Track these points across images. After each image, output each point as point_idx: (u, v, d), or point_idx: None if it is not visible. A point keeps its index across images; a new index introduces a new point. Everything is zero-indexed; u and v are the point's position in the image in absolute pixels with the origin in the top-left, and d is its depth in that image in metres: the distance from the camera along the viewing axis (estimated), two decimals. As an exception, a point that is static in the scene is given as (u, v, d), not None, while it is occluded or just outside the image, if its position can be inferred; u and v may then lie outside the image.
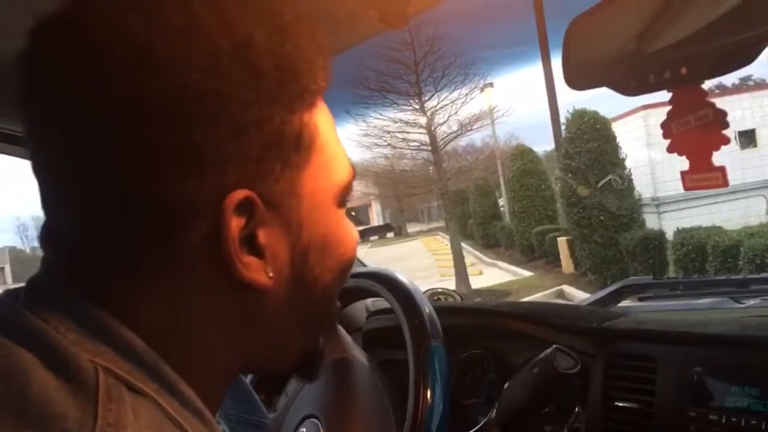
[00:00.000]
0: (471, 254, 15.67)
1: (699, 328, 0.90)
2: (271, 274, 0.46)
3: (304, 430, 0.98)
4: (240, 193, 0.43)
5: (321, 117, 0.49)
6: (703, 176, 0.79)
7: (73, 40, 0.41)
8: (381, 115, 12.40)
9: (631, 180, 9.23)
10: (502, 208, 17.14)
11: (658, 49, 0.74)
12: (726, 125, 0.75)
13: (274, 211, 0.45)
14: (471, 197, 17.43)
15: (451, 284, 11.30)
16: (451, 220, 13.00)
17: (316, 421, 0.98)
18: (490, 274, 13.09)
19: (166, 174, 0.41)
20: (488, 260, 15.01)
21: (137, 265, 0.43)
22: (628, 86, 0.78)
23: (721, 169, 0.77)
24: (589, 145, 9.13)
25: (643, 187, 10.96)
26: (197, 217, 0.42)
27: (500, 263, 13.92)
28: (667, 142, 0.82)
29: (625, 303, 1.47)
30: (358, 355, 1.08)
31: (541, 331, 1.03)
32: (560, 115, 10.30)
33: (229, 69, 0.42)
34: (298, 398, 1.07)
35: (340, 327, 1.14)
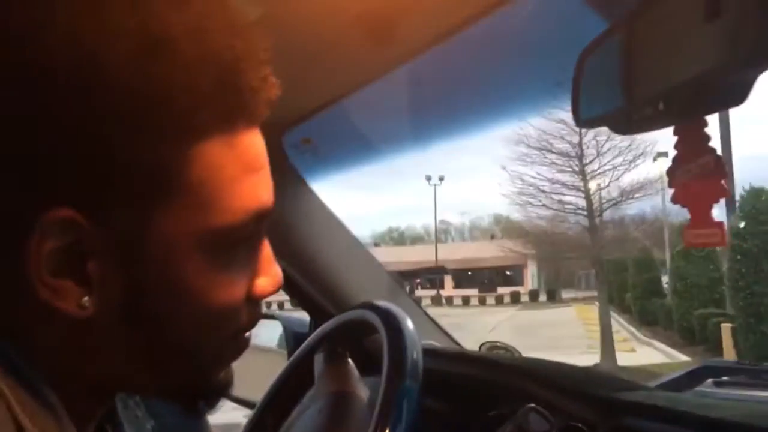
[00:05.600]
0: (626, 329, 14.71)
1: (714, 412, 0.77)
2: (87, 305, 0.43)
3: None
4: (62, 211, 0.41)
5: (210, 155, 0.44)
6: (702, 232, 0.69)
7: None
8: (538, 174, 12.16)
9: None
10: (665, 285, 15.97)
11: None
12: (725, 175, 0.66)
13: (111, 241, 0.43)
14: (630, 269, 16.44)
15: (596, 358, 10.67)
16: (602, 290, 12.28)
17: None
18: (644, 353, 12.15)
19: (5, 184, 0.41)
20: (643, 338, 13.99)
21: None
22: (619, 125, 0.71)
23: (719, 225, 0.67)
24: (766, 227, 8.33)
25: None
26: (28, 232, 0.41)
27: (656, 343, 12.91)
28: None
29: (701, 387, 1.31)
30: (359, 390, 1.05)
31: (542, 391, 0.94)
32: (735, 192, 9.51)
33: (61, 88, 0.40)
34: (297, 424, 1.06)
35: (349, 360, 1.11)
